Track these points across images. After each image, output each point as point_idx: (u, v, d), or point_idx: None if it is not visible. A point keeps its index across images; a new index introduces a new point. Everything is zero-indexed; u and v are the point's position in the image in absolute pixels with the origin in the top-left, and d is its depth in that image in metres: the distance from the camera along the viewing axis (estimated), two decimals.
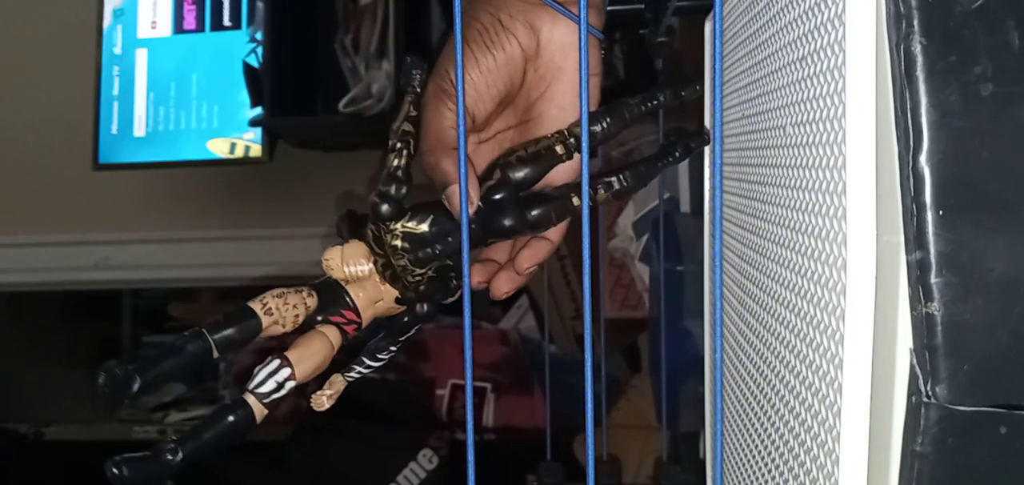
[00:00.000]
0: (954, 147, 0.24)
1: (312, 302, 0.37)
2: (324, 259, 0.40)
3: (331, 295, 0.39)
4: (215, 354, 0.34)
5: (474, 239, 0.40)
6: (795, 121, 0.31)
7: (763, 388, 0.36)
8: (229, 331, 0.34)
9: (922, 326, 0.24)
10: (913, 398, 0.24)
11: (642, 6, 0.76)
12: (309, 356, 0.36)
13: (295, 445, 1.42)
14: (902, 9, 0.24)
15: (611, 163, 1.26)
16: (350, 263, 0.39)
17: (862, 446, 0.26)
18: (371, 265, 0.40)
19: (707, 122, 0.46)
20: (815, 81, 0.28)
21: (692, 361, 0.86)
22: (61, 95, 1.57)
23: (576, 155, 0.41)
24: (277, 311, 0.35)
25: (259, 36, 1.39)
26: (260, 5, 1.39)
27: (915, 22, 0.24)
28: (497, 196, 0.40)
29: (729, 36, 0.43)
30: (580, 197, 0.37)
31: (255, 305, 0.35)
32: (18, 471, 1.70)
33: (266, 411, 0.34)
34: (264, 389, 0.34)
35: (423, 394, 1.52)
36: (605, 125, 0.40)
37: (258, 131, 1.41)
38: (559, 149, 0.40)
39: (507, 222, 0.40)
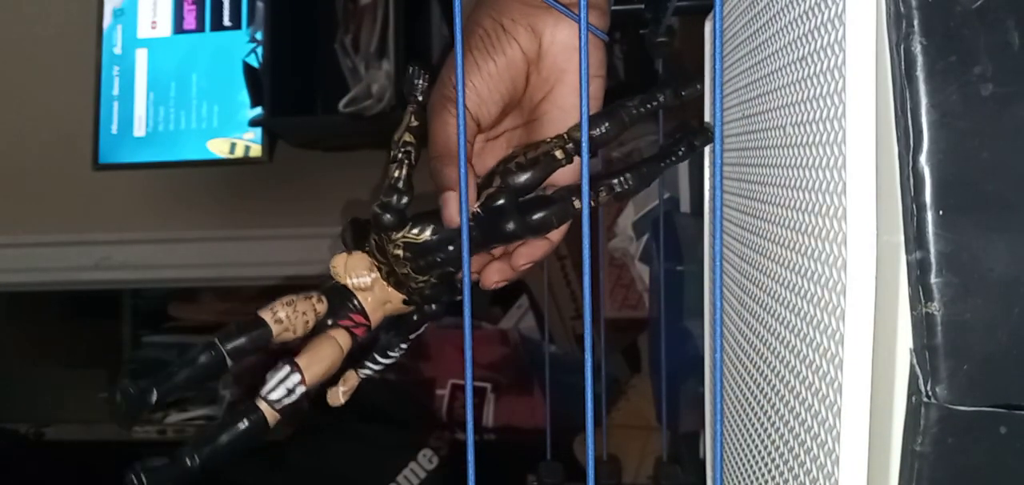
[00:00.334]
0: (954, 147, 0.24)
1: (322, 307, 0.38)
2: (331, 266, 0.41)
3: (340, 299, 0.40)
4: (229, 364, 0.34)
5: (475, 245, 0.41)
6: (795, 121, 0.31)
7: (763, 388, 0.35)
8: (241, 341, 0.35)
9: (922, 326, 0.24)
10: (913, 398, 0.24)
11: (642, 6, 0.76)
12: (318, 361, 0.37)
13: (295, 445, 1.42)
14: (902, 9, 0.24)
15: (611, 164, 1.26)
16: (352, 275, 0.40)
17: (862, 446, 0.26)
18: (374, 275, 0.41)
19: (707, 122, 0.46)
20: (815, 81, 0.28)
21: (692, 361, 0.86)
22: (61, 95, 1.57)
23: (576, 158, 0.41)
24: (288, 319, 0.36)
25: (259, 36, 1.39)
26: (260, 5, 1.39)
27: (915, 22, 0.24)
28: (497, 203, 0.40)
29: (729, 36, 0.43)
30: (581, 200, 0.38)
31: (265, 315, 0.36)
32: (18, 471, 1.70)
33: (278, 416, 0.35)
34: (275, 395, 0.35)
35: (423, 394, 1.52)
36: (604, 129, 0.40)
37: (258, 131, 1.40)
38: (558, 154, 0.40)
39: (508, 227, 0.40)
